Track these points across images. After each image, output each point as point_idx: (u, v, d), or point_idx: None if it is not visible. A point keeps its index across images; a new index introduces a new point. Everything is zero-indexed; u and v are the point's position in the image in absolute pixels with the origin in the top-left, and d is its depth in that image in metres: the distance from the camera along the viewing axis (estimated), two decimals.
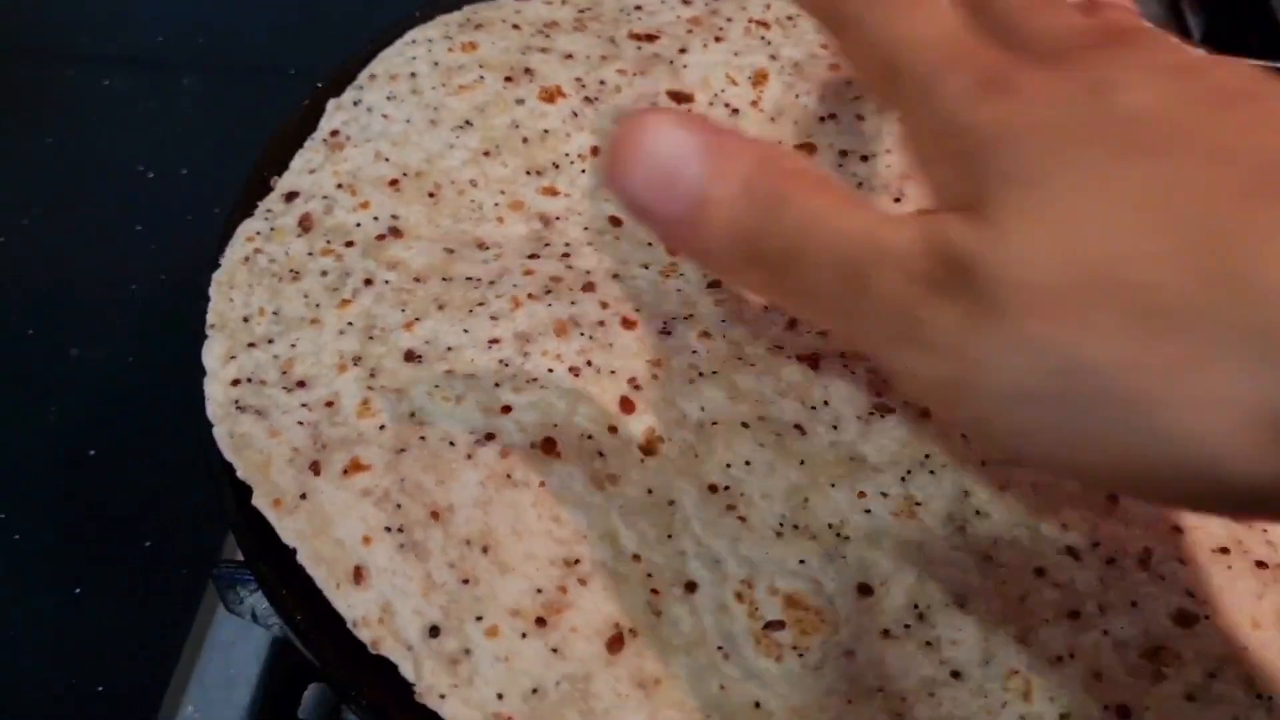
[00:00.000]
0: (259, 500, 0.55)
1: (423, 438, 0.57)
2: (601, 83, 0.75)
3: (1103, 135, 0.38)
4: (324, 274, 0.65)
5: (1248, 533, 0.56)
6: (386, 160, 0.70)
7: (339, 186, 0.69)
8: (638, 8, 0.81)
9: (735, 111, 0.75)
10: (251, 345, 0.61)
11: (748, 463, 0.59)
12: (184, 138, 1.21)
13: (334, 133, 0.72)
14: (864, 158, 0.73)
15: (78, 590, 0.87)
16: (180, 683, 0.72)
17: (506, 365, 0.61)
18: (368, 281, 0.64)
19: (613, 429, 0.59)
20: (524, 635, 0.52)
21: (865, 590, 0.54)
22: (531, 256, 0.66)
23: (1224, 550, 0.56)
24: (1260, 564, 0.55)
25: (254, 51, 1.30)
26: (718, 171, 0.41)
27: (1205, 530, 0.56)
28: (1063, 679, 0.51)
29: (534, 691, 0.51)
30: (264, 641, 0.72)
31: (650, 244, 0.68)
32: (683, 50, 0.77)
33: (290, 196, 0.69)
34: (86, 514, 0.92)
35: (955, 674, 0.52)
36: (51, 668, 0.85)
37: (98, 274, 1.08)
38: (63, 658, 0.85)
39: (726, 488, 0.58)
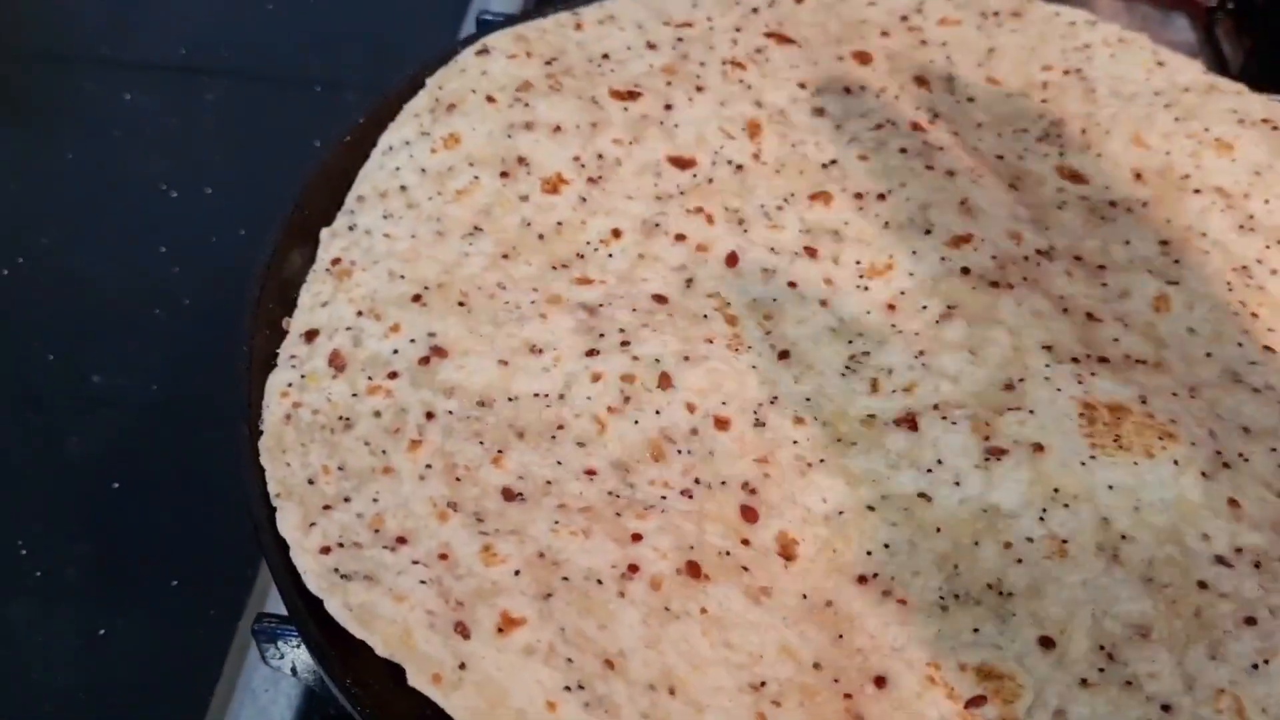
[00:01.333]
0: (416, 680, 0.49)
1: (565, 578, 0.54)
2: (600, 156, 0.72)
3: None
4: (377, 415, 0.60)
5: None
6: (402, 278, 0.66)
7: (360, 314, 0.64)
8: (605, 57, 0.78)
9: (740, 169, 0.74)
10: (328, 508, 0.56)
11: (887, 546, 0.58)
12: (207, 154, 1.15)
13: (335, 261, 0.67)
14: (879, 196, 0.73)
15: (103, 632, 0.81)
16: None
17: (617, 496, 0.58)
18: (429, 415, 0.60)
19: (745, 541, 0.58)
20: None
21: (1047, 643, 0.54)
22: (591, 354, 0.63)
23: None
24: None
25: (278, 64, 1.25)
26: None
27: None
28: (1267, 688, 0.52)
29: None
30: (297, 690, 0.68)
31: (706, 316, 0.66)
32: (669, 107, 0.76)
33: (310, 336, 0.63)
34: (110, 551, 0.86)
35: (1165, 708, 0.52)
36: (77, 712, 0.79)
37: (120, 297, 1.02)
38: (88, 702, 0.79)
39: (875, 575, 0.57)
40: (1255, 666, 0.53)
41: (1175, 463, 0.59)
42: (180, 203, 1.12)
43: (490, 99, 0.74)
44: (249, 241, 0.65)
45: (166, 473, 0.91)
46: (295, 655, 0.63)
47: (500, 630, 0.51)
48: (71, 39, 1.35)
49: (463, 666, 0.50)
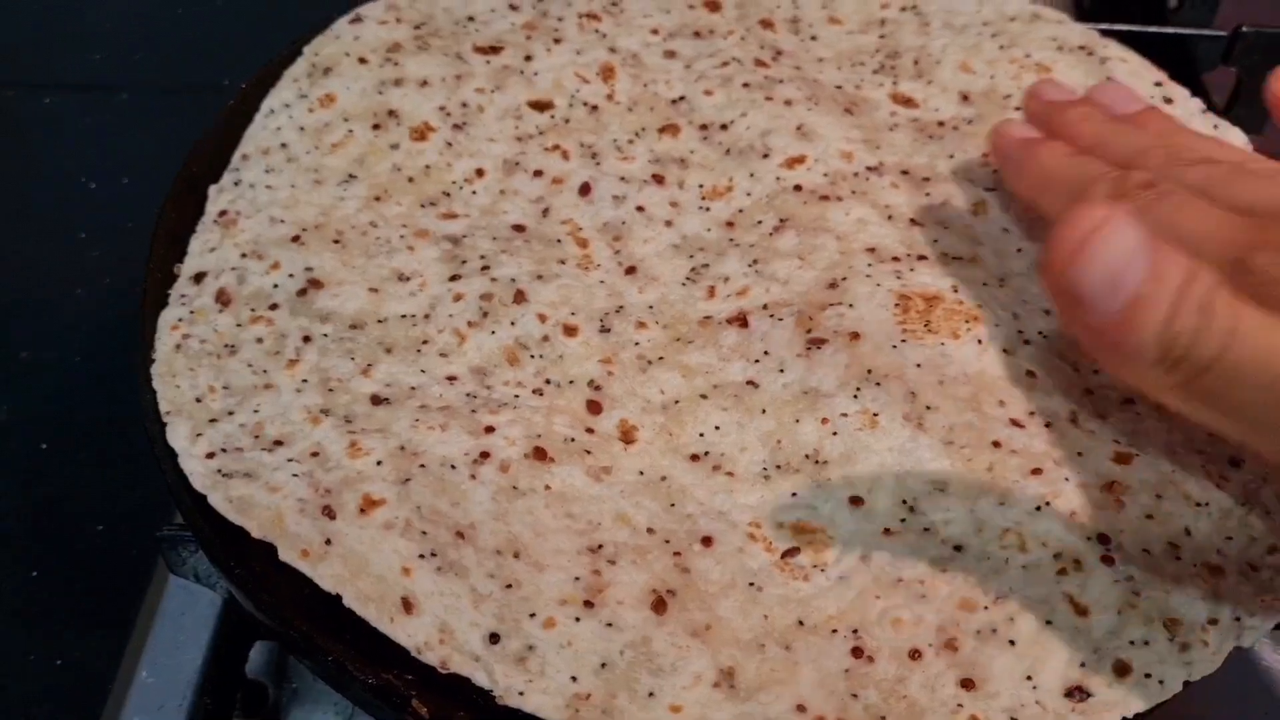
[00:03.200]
0: (286, 555, 0.56)
1: (422, 465, 0.60)
2: (464, 105, 0.79)
3: None
4: (260, 341, 0.66)
5: None
6: (282, 222, 0.72)
7: (244, 256, 0.70)
8: (470, 19, 0.85)
9: (595, 109, 0.80)
10: (213, 421, 0.62)
11: (717, 428, 0.65)
12: (123, 150, 1.22)
13: (222, 213, 0.73)
14: (723, 126, 0.79)
15: (34, 574, 0.88)
16: (134, 651, 0.73)
17: (474, 397, 0.64)
18: (306, 339, 0.66)
19: (590, 430, 0.64)
20: (578, 619, 0.55)
21: (856, 501, 0.61)
22: (454, 278, 0.70)
23: (1130, 401, 0.64)
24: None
25: (188, 67, 1.31)
26: (1158, 276, 0.45)
27: (1110, 388, 0.65)
28: (1047, 525, 0.59)
29: (603, 666, 0.54)
30: (212, 608, 0.73)
31: (559, 240, 0.73)
32: (529, 58, 0.82)
33: (199, 277, 0.70)
34: (41, 504, 0.93)
35: (957, 548, 0.59)
36: (11, 645, 0.85)
37: (45, 281, 1.09)
38: (22, 636, 0.86)
39: (706, 453, 0.64)
40: (1038, 508, 0.59)
41: (979, 342, 0.66)
42: (99, 193, 1.18)
43: (362, 60, 0.80)
44: (137, 314, 0.71)
45: (91, 433, 0.98)
46: (195, 561, 0.69)
47: (362, 510, 0.58)
48: None
49: (329, 542, 0.56)
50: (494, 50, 0.82)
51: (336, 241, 0.71)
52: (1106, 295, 0.46)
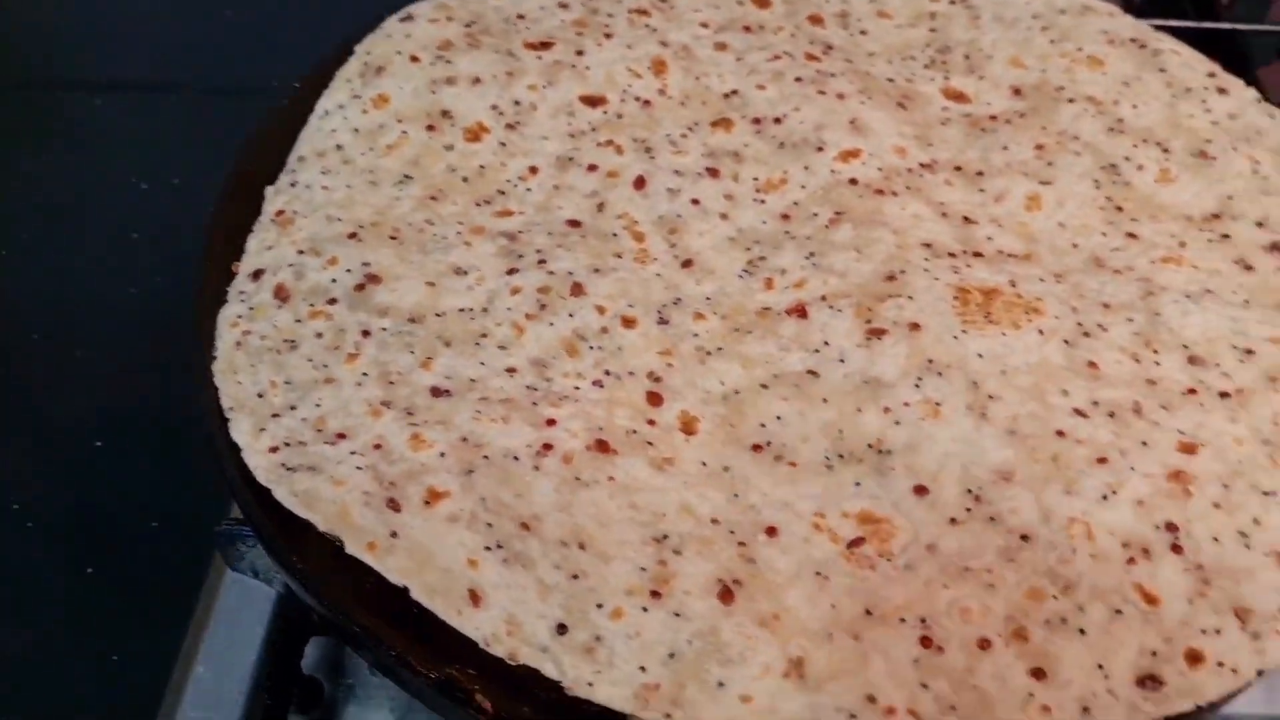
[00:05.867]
0: (353, 548, 0.56)
1: (485, 457, 0.60)
2: (516, 103, 0.79)
3: None
4: (319, 335, 0.66)
5: (1205, 372, 0.65)
6: (339, 220, 0.72)
7: (301, 252, 0.70)
8: (520, 17, 0.85)
9: (647, 104, 0.80)
10: (275, 415, 0.63)
11: (779, 418, 0.64)
12: (174, 151, 1.22)
13: (279, 212, 0.73)
14: (776, 119, 0.79)
15: (90, 570, 0.89)
16: (191, 647, 0.73)
17: (534, 389, 0.64)
18: (365, 333, 0.66)
19: (650, 421, 0.64)
20: (645, 609, 0.55)
21: (921, 490, 0.60)
22: (511, 272, 0.70)
23: (1192, 391, 0.64)
24: (1224, 394, 0.64)
25: (235, 70, 1.32)
26: None
27: (1171, 379, 0.65)
28: (1115, 514, 0.59)
29: (671, 656, 0.54)
30: (267, 604, 0.73)
31: (615, 234, 0.73)
32: (580, 53, 0.82)
33: (257, 274, 0.70)
34: (95, 501, 0.93)
35: (1024, 537, 0.58)
36: (68, 640, 0.86)
37: (98, 280, 1.09)
38: (78, 630, 0.86)
39: (768, 443, 0.63)
40: (1105, 498, 0.59)
41: (1040, 332, 0.66)
42: (150, 194, 1.19)
43: (414, 58, 0.81)
44: (194, 308, 0.72)
45: (145, 431, 0.98)
46: (253, 555, 0.69)
47: (427, 503, 0.58)
48: (42, 59, 1.41)
49: (394, 535, 0.56)
50: (545, 46, 0.82)
51: (393, 238, 0.71)
52: None
